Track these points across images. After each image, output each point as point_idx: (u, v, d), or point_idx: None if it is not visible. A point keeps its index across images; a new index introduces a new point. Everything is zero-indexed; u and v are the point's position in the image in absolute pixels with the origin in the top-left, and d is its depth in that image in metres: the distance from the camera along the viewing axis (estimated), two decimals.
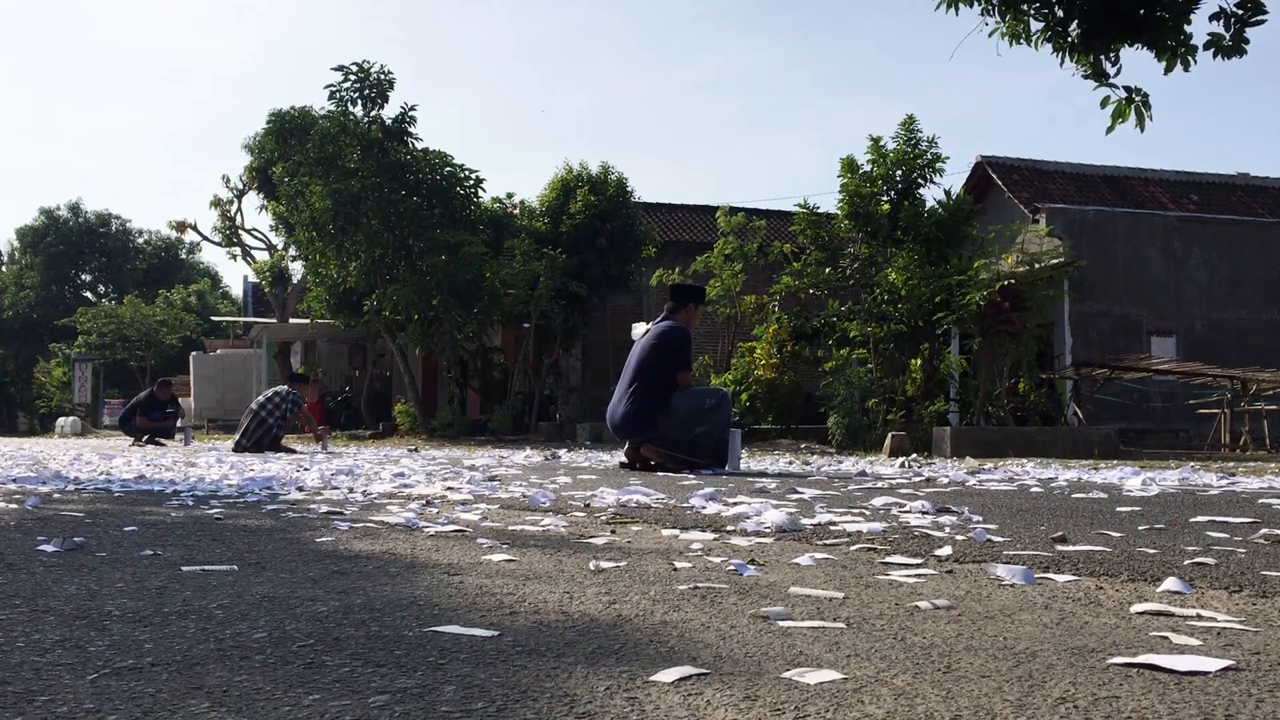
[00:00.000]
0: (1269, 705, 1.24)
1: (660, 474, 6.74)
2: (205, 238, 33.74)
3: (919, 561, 2.49)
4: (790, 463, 8.78)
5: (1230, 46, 6.20)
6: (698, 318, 7.88)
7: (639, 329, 7.93)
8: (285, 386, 13.53)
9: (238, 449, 12.34)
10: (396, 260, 19.38)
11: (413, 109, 20.27)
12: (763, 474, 6.66)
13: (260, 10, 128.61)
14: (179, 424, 18.33)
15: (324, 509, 3.86)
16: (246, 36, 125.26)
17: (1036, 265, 14.62)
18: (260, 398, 13.25)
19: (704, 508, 3.83)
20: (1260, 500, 4.35)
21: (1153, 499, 4.45)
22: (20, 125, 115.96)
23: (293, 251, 28.05)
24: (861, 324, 14.47)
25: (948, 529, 3.13)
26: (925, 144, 15.01)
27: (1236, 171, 22.94)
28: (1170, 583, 2.10)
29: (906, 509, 3.77)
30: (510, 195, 22.62)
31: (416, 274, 19.01)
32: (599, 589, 2.08)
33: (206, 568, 2.35)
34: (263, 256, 31.79)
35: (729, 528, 3.20)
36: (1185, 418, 16.53)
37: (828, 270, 15.31)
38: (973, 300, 12.33)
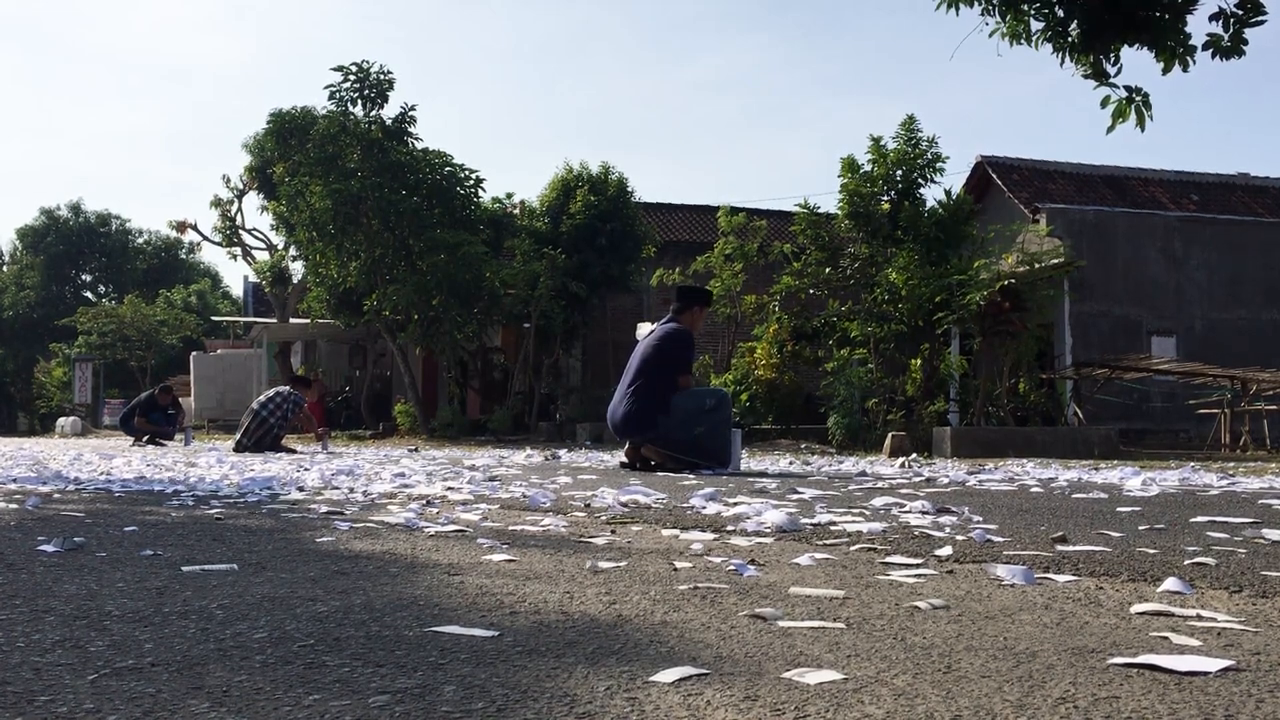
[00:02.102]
0: (1269, 705, 1.24)
1: (660, 474, 6.74)
2: (205, 238, 33.73)
3: (919, 561, 2.49)
4: (790, 463, 8.78)
5: (1229, 47, 6.19)
6: (702, 320, 7.87)
7: (644, 329, 7.92)
8: (287, 387, 13.53)
9: (238, 449, 12.34)
10: (396, 260, 19.38)
11: (413, 109, 20.30)
12: (763, 474, 6.66)
13: (260, 10, 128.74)
14: (179, 424, 18.35)
15: (324, 509, 3.86)
16: (246, 36, 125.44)
17: (1036, 265, 14.62)
18: (261, 397, 13.26)
19: (704, 508, 3.83)
20: (1260, 500, 4.35)
21: (1153, 499, 4.45)
22: (20, 125, 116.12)
23: (293, 251, 28.05)
24: (862, 324, 14.47)
25: (948, 529, 3.13)
26: (925, 144, 15.03)
27: (1236, 171, 22.97)
28: (1170, 583, 2.10)
29: (906, 509, 3.76)
30: (510, 195, 22.64)
31: (416, 274, 19.01)
32: (599, 589, 2.08)
33: (207, 568, 2.35)
34: (263, 256, 31.78)
35: (729, 528, 3.20)
36: (1185, 418, 16.53)
37: (828, 270, 15.31)
38: (973, 300, 12.33)
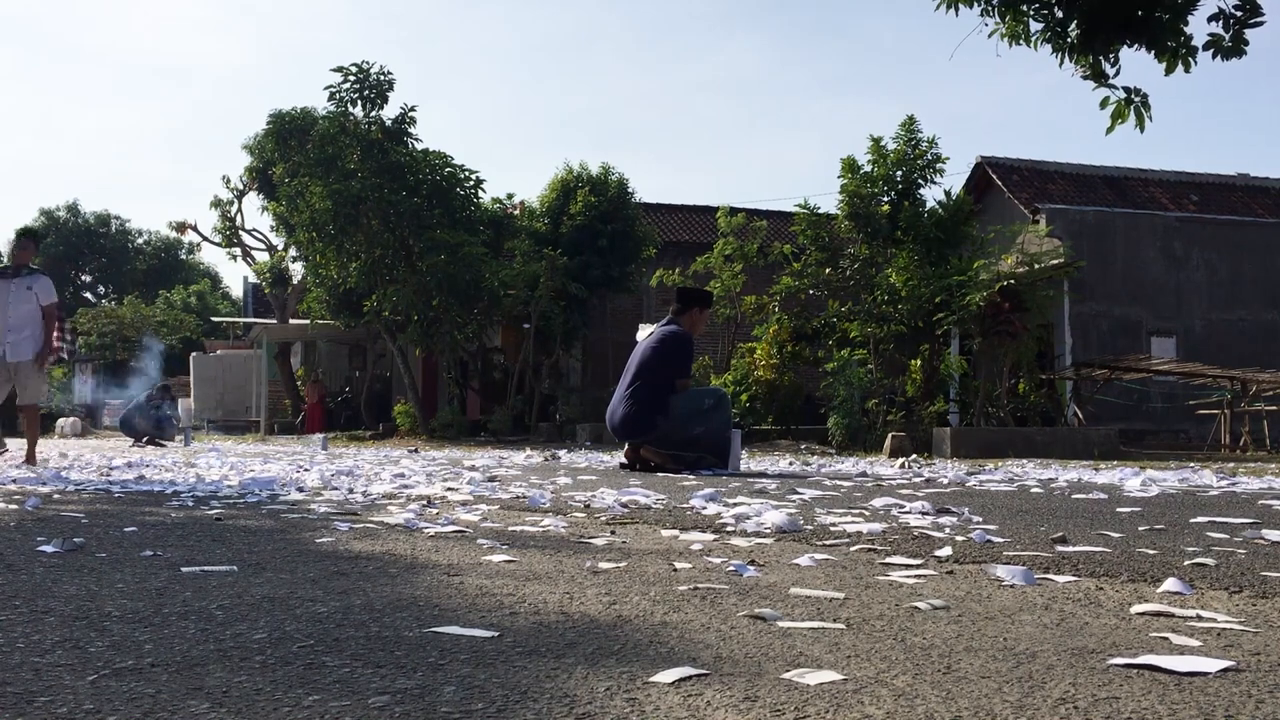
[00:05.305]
0: (1269, 706, 1.24)
1: (660, 475, 6.74)
2: (205, 238, 33.68)
3: (919, 562, 2.49)
4: (790, 463, 8.78)
5: (1230, 48, 6.19)
6: (704, 323, 7.85)
7: (644, 330, 7.91)
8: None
9: None
10: (396, 261, 19.38)
11: (412, 109, 20.28)
12: (763, 475, 6.65)
13: (260, 10, 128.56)
14: (179, 425, 18.38)
15: (324, 510, 3.86)
16: (246, 36, 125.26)
17: (1036, 266, 14.62)
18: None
19: (704, 508, 3.83)
20: (1260, 501, 4.35)
21: (1153, 500, 4.45)
22: (20, 125, 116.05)
23: (293, 252, 28.02)
24: (862, 324, 14.47)
25: (948, 530, 3.13)
26: (925, 144, 15.03)
27: (1236, 172, 22.96)
28: (1170, 583, 2.10)
29: (906, 510, 3.76)
30: (510, 196, 22.62)
31: (416, 274, 19.01)
32: (599, 590, 2.08)
33: (206, 568, 2.35)
34: (263, 257, 31.75)
35: (729, 528, 3.20)
36: (1185, 418, 16.53)
37: (828, 271, 15.31)
38: (973, 301, 12.33)
